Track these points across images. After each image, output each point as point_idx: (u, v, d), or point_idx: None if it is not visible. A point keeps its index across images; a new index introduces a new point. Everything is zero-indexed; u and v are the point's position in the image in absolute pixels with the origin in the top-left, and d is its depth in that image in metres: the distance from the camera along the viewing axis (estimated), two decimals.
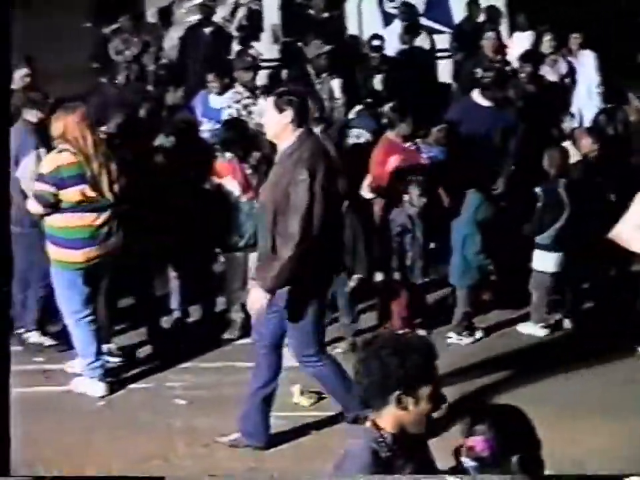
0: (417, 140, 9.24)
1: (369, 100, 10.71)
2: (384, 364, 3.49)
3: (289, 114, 6.57)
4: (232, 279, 8.86)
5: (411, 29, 12.42)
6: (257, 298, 6.70)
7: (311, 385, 7.44)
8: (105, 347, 8.17)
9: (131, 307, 9.02)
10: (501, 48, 11.92)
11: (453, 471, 3.62)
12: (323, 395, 7.39)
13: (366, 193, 8.94)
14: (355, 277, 8.48)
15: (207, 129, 10.08)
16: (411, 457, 3.60)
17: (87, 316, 7.81)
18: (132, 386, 8.03)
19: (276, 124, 6.65)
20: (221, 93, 10.51)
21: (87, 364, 7.85)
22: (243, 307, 8.41)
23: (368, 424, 3.58)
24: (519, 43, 12.18)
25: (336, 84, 10.73)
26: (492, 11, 12.91)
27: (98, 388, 7.86)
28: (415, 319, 8.73)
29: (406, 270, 8.62)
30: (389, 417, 3.55)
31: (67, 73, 11.92)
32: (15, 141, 8.30)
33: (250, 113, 10.04)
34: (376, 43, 12.03)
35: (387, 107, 9.80)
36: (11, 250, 4.74)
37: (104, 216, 7.77)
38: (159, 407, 7.67)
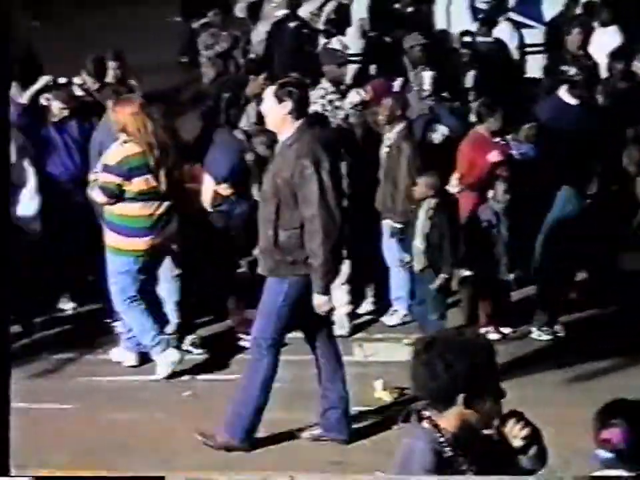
0: (507, 136, 9.11)
1: (447, 95, 10.57)
2: (450, 366, 3.41)
3: (288, 105, 6.59)
4: None
5: (488, 21, 12.30)
6: (322, 303, 6.73)
7: (394, 380, 7.41)
8: (189, 338, 8.28)
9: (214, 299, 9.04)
10: (584, 43, 11.72)
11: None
12: (406, 391, 7.31)
13: (453, 187, 8.84)
14: (442, 275, 8.40)
15: None
16: (472, 455, 3.51)
17: (138, 299, 7.91)
18: (215, 377, 8.06)
19: (275, 114, 6.69)
20: None
21: (150, 344, 7.96)
22: None
23: (426, 424, 3.49)
24: (602, 38, 11.94)
25: (426, 77, 10.60)
26: (589, 5, 12.70)
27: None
28: (501, 316, 8.62)
29: (491, 267, 8.51)
30: (453, 417, 3.47)
31: (156, 68, 11.98)
32: (102, 134, 8.41)
33: (336, 108, 9.95)
34: (467, 39, 11.90)
35: (476, 102, 9.71)
36: (10, 250, 4.51)
37: (164, 205, 7.88)
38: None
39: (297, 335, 8.63)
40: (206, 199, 8.54)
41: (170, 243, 8.06)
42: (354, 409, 7.20)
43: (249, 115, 9.95)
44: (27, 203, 8.54)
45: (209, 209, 8.55)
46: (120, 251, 7.87)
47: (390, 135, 8.90)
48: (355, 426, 7.10)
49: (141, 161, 7.76)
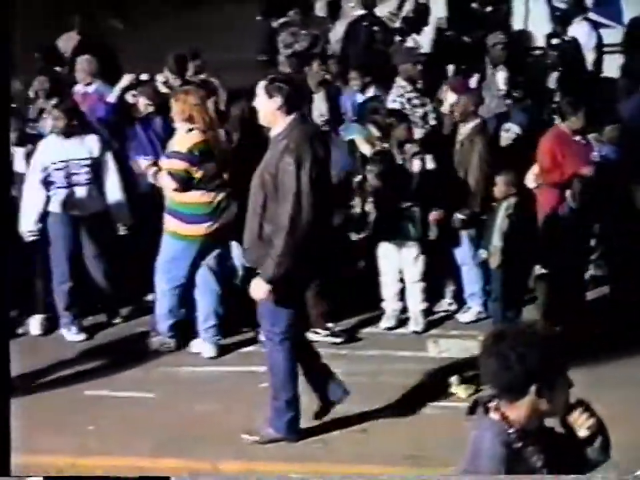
0: (589, 136, 9.03)
1: (521, 93, 10.51)
2: (523, 357, 3.42)
3: (277, 100, 6.59)
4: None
5: (565, 20, 12.19)
6: (257, 287, 6.67)
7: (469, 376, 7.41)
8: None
9: None
10: None
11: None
12: (482, 387, 7.30)
13: (530, 182, 8.80)
14: (516, 271, 8.40)
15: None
16: (539, 445, 3.52)
17: (186, 285, 8.17)
18: None
19: (266, 109, 6.69)
20: (362, 91, 10.42)
21: (203, 328, 8.30)
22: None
23: (494, 415, 3.51)
24: None
25: (502, 76, 10.56)
26: None
27: (207, 349, 8.29)
28: (574, 314, 8.56)
29: (568, 265, 8.45)
30: (524, 408, 3.48)
31: (237, 65, 12.07)
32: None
33: (414, 106, 9.95)
34: (555, 41, 11.78)
35: (556, 102, 9.64)
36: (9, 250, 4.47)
37: (223, 193, 8.06)
38: None
39: (374, 330, 8.76)
40: None
41: (228, 230, 8.14)
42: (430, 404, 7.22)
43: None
44: (113, 197, 8.71)
45: None
46: (178, 236, 8.08)
47: (463, 131, 8.91)
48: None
49: (205, 148, 8.00)
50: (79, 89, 10.16)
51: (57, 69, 11.29)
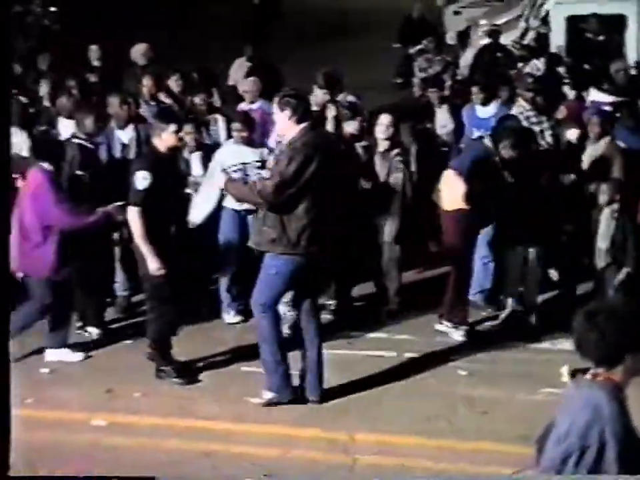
0: None
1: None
2: (620, 328, 3.59)
3: (287, 112, 6.89)
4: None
5: None
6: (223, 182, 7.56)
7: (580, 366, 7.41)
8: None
9: None
10: None
11: None
12: None
13: None
14: (624, 269, 8.41)
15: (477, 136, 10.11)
16: None
17: None
18: (421, 355, 8.13)
19: (279, 121, 7.09)
20: (485, 104, 10.47)
21: None
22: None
23: (600, 379, 3.64)
24: None
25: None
26: None
27: None
28: None
29: None
30: (621, 372, 3.63)
31: (376, 87, 12.30)
32: None
33: (532, 123, 10.00)
34: None
35: None
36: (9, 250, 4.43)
37: None
38: (444, 376, 7.79)
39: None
40: (459, 197, 8.32)
41: None
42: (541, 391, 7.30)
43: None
44: None
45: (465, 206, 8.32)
46: None
47: (596, 147, 9.04)
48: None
49: None
50: (242, 106, 10.42)
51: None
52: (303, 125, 6.96)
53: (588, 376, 3.68)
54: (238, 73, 13.49)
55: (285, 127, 7.06)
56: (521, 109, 10.12)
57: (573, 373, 3.73)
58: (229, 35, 15.10)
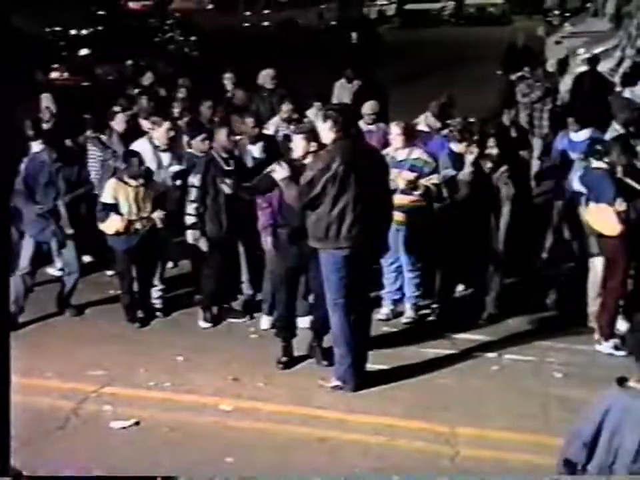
0: None
1: None
2: None
3: (329, 123, 7.11)
4: None
5: None
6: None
7: None
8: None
9: None
10: None
11: None
12: None
13: None
14: None
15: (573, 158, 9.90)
16: None
17: None
18: (519, 357, 8.03)
19: (322, 131, 7.24)
20: (577, 131, 10.11)
21: None
22: None
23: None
24: None
25: None
26: None
27: None
28: None
29: None
30: None
31: (481, 110, 12.22)
32: None
33: None
34: None
35: None
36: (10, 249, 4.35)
37: None
38: (540, 377, 7.66)
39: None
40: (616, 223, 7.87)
41: None
42: None
43: None
44: None
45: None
46: None
47: None
48: None
49: None
50: (362, 126, 10.11)
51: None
52: (339, 134, 7.13)
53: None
54: (343, 93, 13.52)
55: (326, 136, 7.23)
56: (614, 132, 9.88)
57: (620, 381, 3.64)
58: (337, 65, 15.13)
